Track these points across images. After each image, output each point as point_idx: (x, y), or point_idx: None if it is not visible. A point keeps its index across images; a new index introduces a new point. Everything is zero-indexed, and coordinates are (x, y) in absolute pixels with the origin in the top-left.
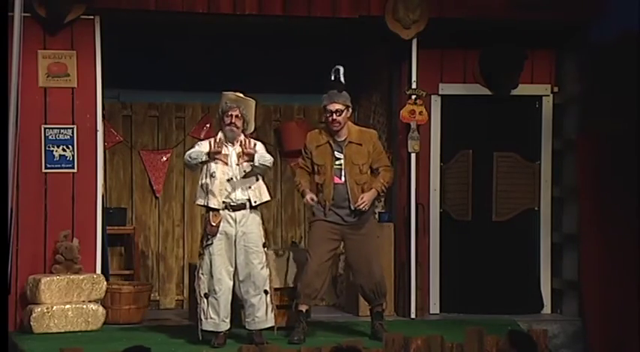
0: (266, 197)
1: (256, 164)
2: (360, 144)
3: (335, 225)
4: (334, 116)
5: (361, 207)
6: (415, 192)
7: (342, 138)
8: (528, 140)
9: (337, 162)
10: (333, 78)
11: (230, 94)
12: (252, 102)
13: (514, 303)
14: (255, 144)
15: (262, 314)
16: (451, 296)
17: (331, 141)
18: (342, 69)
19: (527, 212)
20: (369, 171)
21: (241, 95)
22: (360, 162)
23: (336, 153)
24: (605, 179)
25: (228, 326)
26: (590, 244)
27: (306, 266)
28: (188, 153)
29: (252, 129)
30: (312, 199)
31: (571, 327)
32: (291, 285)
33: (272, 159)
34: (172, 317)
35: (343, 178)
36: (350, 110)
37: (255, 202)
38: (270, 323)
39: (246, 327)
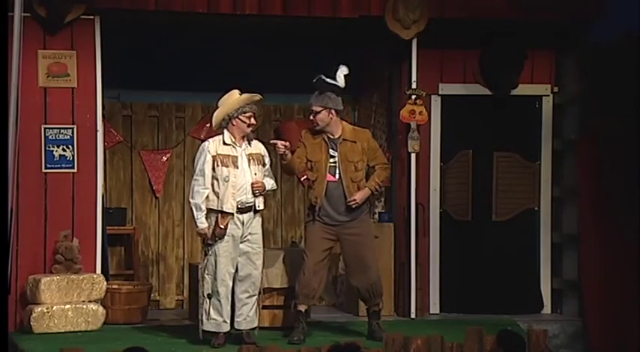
0: (262, 205)
1: (268, 189)
2: (355, 142)
3: (330, 226)
4: (311, 116)
5: (351, 204)
6: (415, 192)
7: (336, 136)
8: (528, 140)
9: (332, 160)
10: (315, 80)
11: (255, 97)
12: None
13: (514, 303)
14: (261, 182)
15: (253, 314)
16: (451, 296)
17: (326, 139)
18: (343, 68)
19: (527, 212)
20: (364, 169)
21: (258, 96)
22: (355, 160)
23: (330, 150)
24: (605, 179)
25: (229, 328)
26: (590, 244)
27: (302, 266)
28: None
29: None
30: (284, 145)
31: (571, 327)
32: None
33: (274, 180)
34: (172, 317)
35: (338, 176)
36: (332, 111)
37: (258, 207)
38: (256, 323)
39: (236, 327)
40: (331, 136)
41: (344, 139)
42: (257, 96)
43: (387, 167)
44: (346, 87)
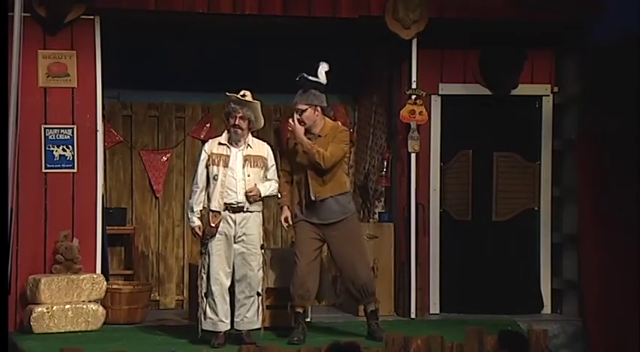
0: (253, 207)
1: (265, 195)
2: (325, 137)
3: (315, 226)
4: (297, 115)
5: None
6: (415, 192)
7: (315, 134)
8: (528, 140)
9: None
10: (297, 78)
11: (233, 96)
12: (257, 104)
13: (514, 303)
14: (256, 190)
15: (252, 315)
16: (451, 296)
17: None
18: (324, 65)
19: (527, 212)
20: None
21: (247, 95)
22: None
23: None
24: (605, 179)
25: (228, 327)
26: (590, 244)
27: (295, 268)
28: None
29: (261, 125)
30: (286, 220)
31: (571, 327)
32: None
33: (277, 184)
34: (172, 317)
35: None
36: (318, 108)
37: (247, 209)
38: (258, 324)
39: (235, 327)
40: (311, 136)
41: (318, 136)
42: (235, 96)
43: (324, 154)
44: (328, 83)
